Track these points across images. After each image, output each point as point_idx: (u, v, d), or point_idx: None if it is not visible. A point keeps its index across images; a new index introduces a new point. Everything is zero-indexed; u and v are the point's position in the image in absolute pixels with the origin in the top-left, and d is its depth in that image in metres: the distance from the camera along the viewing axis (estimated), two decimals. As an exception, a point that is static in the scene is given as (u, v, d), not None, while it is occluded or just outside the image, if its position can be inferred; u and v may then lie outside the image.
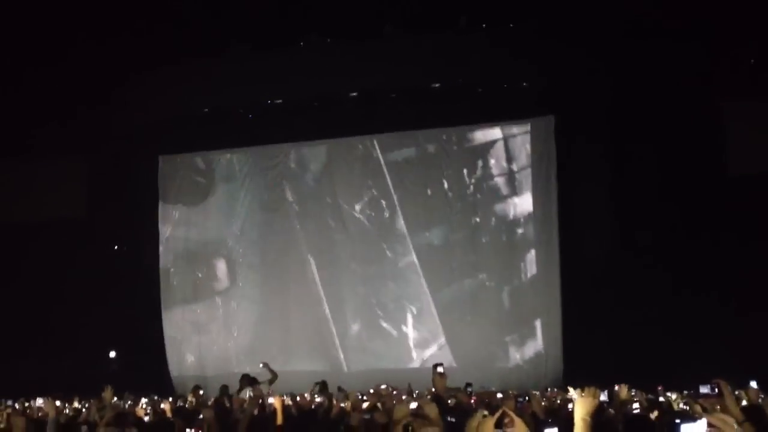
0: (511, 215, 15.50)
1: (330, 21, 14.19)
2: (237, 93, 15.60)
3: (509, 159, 15.60)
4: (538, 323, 15.08)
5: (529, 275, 15.28)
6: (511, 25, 14.52)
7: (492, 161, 15.65)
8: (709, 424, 2.30)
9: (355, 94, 15.75)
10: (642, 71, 13.72)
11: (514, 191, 15.50)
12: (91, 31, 13.41)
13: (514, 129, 15.66)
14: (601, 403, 4.25)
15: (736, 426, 2.28)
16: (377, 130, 16.07)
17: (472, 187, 15.72)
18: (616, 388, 7.71)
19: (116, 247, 17.05)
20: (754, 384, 9.06)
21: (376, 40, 14.80)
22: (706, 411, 4.44)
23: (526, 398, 8.99)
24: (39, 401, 8.17)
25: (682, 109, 13.71)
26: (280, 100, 16.07)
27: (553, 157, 15.16)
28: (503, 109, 15.27)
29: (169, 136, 16.31)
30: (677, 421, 2.42)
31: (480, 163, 15.72)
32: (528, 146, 15.51)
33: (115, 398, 9.91)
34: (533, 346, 15.05)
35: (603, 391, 9.59)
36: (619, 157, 14.25)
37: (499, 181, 15.61)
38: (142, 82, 14.95)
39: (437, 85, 15.31)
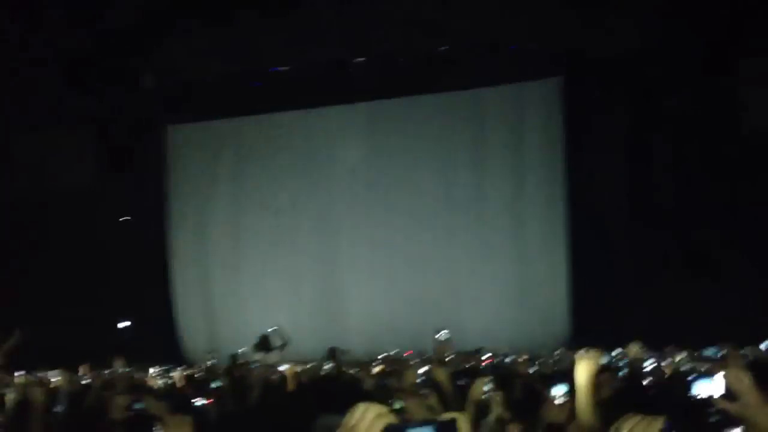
0: (517, 177, 15.46)
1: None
2: (242, 61, 15.47)
3: (517, 122, 15.52)
4: (545, 283, 15.11)
5: (536, 236, 15.28)
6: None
7: (497, 125, 15.57)
8: (725, 378, 2.28)
9: (361, 59, 15.62)
10: (653, 28, 13.50)
11: (522, 153, 15.44)
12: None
13: (521, 91, 15.56)
14: (603, 366, 4.25)
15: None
16: (384, 94, 15.98)
17: (479, 150, 15.65)
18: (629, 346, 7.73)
19: (125, 218, 17.07)
20: (763, 346, 9.08)
21: (381, 3, 14.59)
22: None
23: (538, 361, 9.03)
24: (52, 372, 8.23)
25: (697, 66, 13.53)
26: (286, 67, 15.95)
27: (560, 119, 15.07)
28: (511, 70, 15.12)
29: (177, 105, 16.25)
30: (689, 378, 2.40)
31: (488, 126, 15.64)
32: (535, 108, 15.42)
33: (127, 368, 10.02)
34: (541, 307, 15.08)
35: (608, 352, 9.66)
36: (630, 118, 14.09)
37: (507, 144, 15.55)
38: (148, 49, 14.82)
39: (444, 47, 15.16)
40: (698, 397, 2.32)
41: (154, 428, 3.14)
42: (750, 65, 13.45)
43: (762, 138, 13.16)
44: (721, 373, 2.29)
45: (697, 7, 12.84)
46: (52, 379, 7.68)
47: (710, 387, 2.31)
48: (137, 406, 4.97)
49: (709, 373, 2.33)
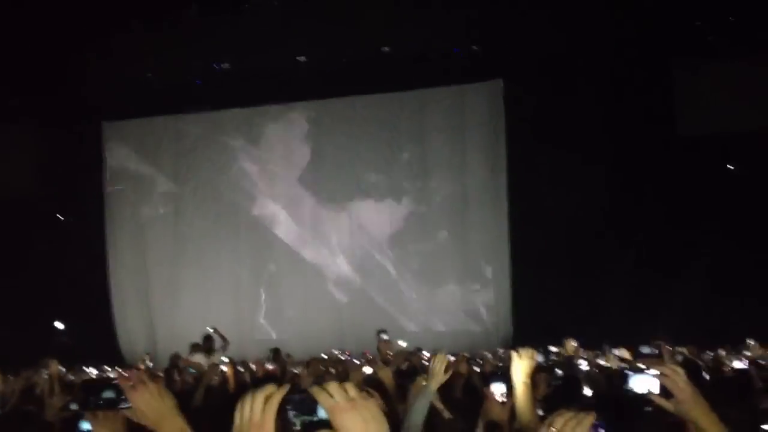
0: (460, 178, 15.62)
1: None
2: (183, 57, 15.25)
3: (459, 123, 15.66)
4: (487, 284, 15.30)
5: (478, 236, 15.44)
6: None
7: (440, 127, 15.70)
8: (660, 375, 2.33)
9: (304, 58, 15.56)
10: (590, 30, 13.77)
11: (464, 154, 15.59)
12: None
13: (463, 93, 15.72)
14: (539, 364, 4.33)
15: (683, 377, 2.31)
16: (327, 95, 15.96)
17: (422, 150, 15.76)
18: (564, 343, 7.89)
19: (60, 217, 16.69)
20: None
21: (325, 2, 14.55)
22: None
23: (479, 360, 9.15)
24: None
25: (632, 68, 13.85)
26: (227, 65, 15.79)
27: (502, 121, 15.26)
28: (453, 72, 15.26)
29: (113, 102, 15.92)
30: (626, 372, 2.45)
31: (430, 127, 15.75)
32: (477, 110, 15.59)
33: (64, 369, 9.79)
34: (483, 306, 15.26)
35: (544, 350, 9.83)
36: (568, 117, 14.34)
37: (450, 144, 15.68)
38: (86, 45, 14.48)
39: (387, 48, 15.20)
40: (633, 393, 2.37)
41: (83, 424, 3.06)
42: (684, 66, 13.81)
43: (696, 141, 13.54)
44: (656, 370, 2.34)
45: (633, 7, 13.14)
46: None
47: (645, 383, 2.36)
48: (72, 406, 4.87)
49: (644, 370, 2.38)
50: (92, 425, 2.43)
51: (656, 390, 2.32)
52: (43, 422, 4.96)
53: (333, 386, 1.69)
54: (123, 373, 2.22)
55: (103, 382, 2.33)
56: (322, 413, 1.69)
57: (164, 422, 2.20)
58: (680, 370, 2.32)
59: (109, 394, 2.30)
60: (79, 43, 14.17)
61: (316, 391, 1.69)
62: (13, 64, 14.07)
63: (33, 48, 13.96)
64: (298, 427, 1.71)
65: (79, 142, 16.19)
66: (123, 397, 2.26)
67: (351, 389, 1.69)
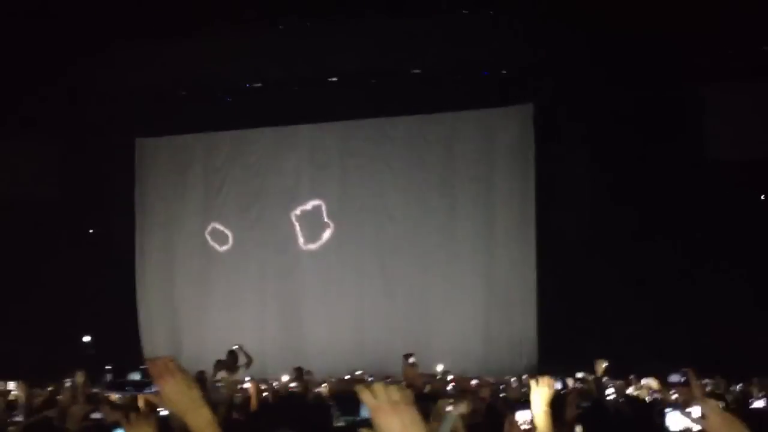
0: (489, 201, 15.55)
1: (309, 3, 14.00)
2: (215, 75, 15.43)
3: (488, 146, 15.63)
4: (514, 308, 15.17)
5: (505, 260, 15.34)
6: (491, 12, 14.42)
7: (471, 148, 15.67)
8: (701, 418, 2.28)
9: (335, 78, 15.67)
10: (622, 56, 13.72)
11: (493, 178, 15.54)
12: (68, 8, 13.14)
13: (492, 117, 15.69)
14: (558, 392, 4.29)
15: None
16: (356, 115, 16.03)
17: (450, 173, 15.74)
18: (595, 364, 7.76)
19: (91, 231, 16.86)
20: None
21: (356, 24, 14.67)
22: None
23: (501, 387, 9.05)
24: (11, 384, 8.05)
25: (662, 93, 13.77)
26: (259, 84, 15.94)
27: (531, 146, 15.21)
28: (483, 96, 15.27)
29: (147, 118, 16.12)
30: (663, 408, 2.41)
31: (459, 150, 15.74)
32: (506, 134, 15.55)
33: (90, 382, 9.84)
34: (509, 331, 15.11)
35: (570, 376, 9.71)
36: (598, 144, 14.27)
37: (478, 168, 15.63)
38: (120, 62, 14.71)
39: (418, 71, 15.26)
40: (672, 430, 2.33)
41: (118, 425, 3.07)
42: (714, 96, 13.73)
43: (724, 167, 13.42)
44: (696, 406, 2.29)
45: (664, 33, 13.09)
46: (12, 391, 7.53)
47: (682, 421, 2.31)
48: (94, 415, 4.88)
49: (679, 403, 2.34)
50: (125, 429, 2.43)
51: (698, 429, 2.26)
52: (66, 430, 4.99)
53: (378, 388, 1.74)
54: (153, 358, 2.22)
55: (131, 365, 2.34)
56: (364, 413, 1.73)
57: (191, 413, 2.21)
58: (717, 405, 2.28)
59: (136, 376, 2.31)
60: (115, 59, 14.40)
61: (361, 391, 1.74)
62: (51, 78, 14.32)
63: (71, 63, 14.20)
64: (342, 424, 1.78)
65: (112, 157, 16.39)
66: (149, 380, 2.27)
67: (395, 393, 1.74)
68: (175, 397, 2.21)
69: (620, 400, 6.63)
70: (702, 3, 12.44)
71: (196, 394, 2.23)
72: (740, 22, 12.57)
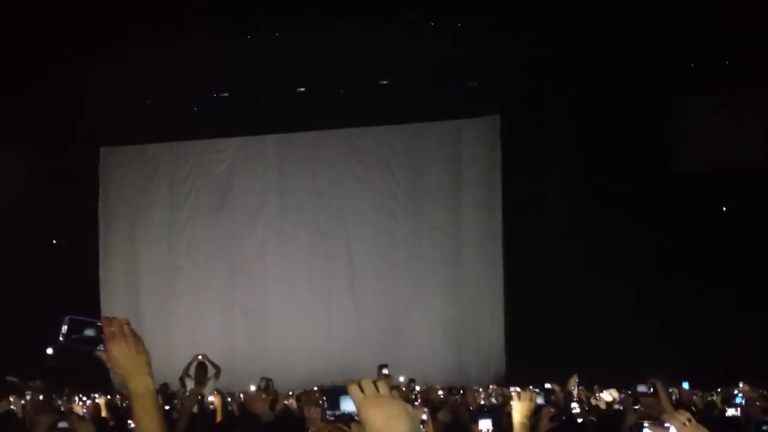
0: (456, 212, 15.60)
1: (279, 12, 13.98)
2: (182, 84, 15.32)
3: (455, 157, 15.70)
4: (481, 319, 15.22)
5: (473, 271, 15.39)
6: (459, 24, 14.52)
7: (438, 159, 15.73)
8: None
9: (302, 89, 15.64)
10: (588, 69, 13.89)
11: (461, 189, 15.60)
12: (34, 16, 12.98)
13: (460, 128, 15.77)
14: (538, 406, 4.34)
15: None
16: (324, 126, 16.00)
17: (418, 184, 15.77)
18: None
19: (54, 241, 16.60)
20: (686, 385, 9.34)
21: (324, 35, 14.67)
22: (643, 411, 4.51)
23: (461, 391, 9.09)
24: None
25: (628, 105, 13.95)
26: (226, 93, 15.86)
27: (498, 156, 15.31)
28: (449, 107, 15.35)
29: (111, 127, 15.93)
30: (644, 424, 2.43)
31: (426, 161, 15.79)
32: (473, 145, 15.64)
33: (54, 395, 9.67)
34: (476, 342, 15.15)
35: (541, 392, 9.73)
36: (565, 155, 14.41)
37: (445, 179, 15.70)
38: (86, 70, 14.54)
39: (385, 81, 15.30)
40: None
41: None
42: (683, 104, 13.94)
43: (692, 178, 13.63)
44: (668, 421, 2.30)
45: (630, 47, 13.28)
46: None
47: None
48: (61, 425, 4.82)
49: (651, 417, 2.34)
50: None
51: None
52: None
53: (366, 383, 1.80)
54: (109, 318, 2.24)
55: (89, 322, 2.35)
56: (344, 407, 1.86)
57: (134, 377, 2.27)
58: (688, 417, 2.29)
59: (90, 332, 2.33)
60: (79, 68, 14.24)
61: (350, 386, 1.81)
62: (13, 86, 14.11)
63: (33, 70, 14.02)
64: (333, 418, 1.89)
65: (76, 167, 16.16)
66: (101, 338, 2.30)
67: (382, 387, 1.80)
68: (123, 359, 2.27)
69: (586, 409, 6.66)
70: (667, 17, 12.66)
71: (143, 360, 2.29)
72: (705, 35, 12.79)
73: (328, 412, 1.89)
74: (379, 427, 1.75)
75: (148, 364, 2.30)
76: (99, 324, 2.32)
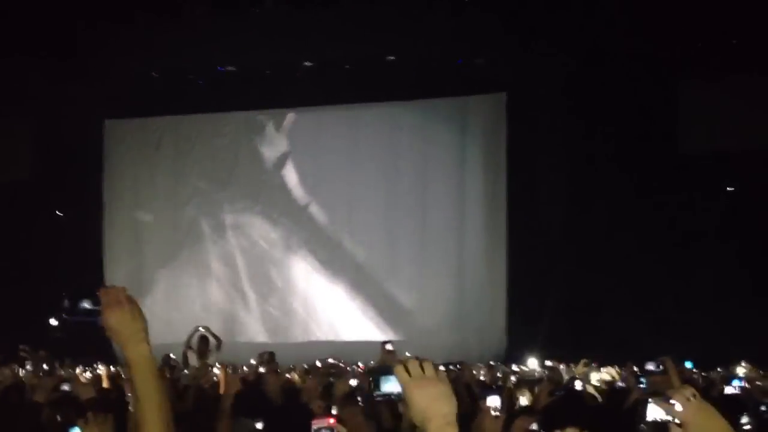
0: (459, 189, 15.59)
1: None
2: (188, 57, 15.25)
3: (461, 134, 15.66)
4: (484, 295, 15.25)
5: (476, 248, 15.39)
6: (466, 0, 14.39)
7: (444, 135, 15.69)
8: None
9: (309, 63, 15.57)
10: (595, 47, 13.80)
11: (464, 166, 15.58)
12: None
13: (466, 105, 15.72)
14: (537, 379, 4.35)
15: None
16: (330, 101, 15.95)
17: (423, 160, 15.74)
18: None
19: (58, 213, 16.62)
20: (688, 364, 9.38)
21: (331, 10, 14.57)
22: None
23: (457, 366, 9.09)
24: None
25: (636, 85, 13.86)
26: (232, 67, 15.80)
27: (504, 134, 15.26)
28: (455, 84, 15.27)
29: (116, 99, 15.88)
30: (649, 400, 2.42)
31: (432, 137, 15.74)
32: (479, 122, 15.59)
33: (57, 365, 9.75)
34: (479, 318, 15.19)
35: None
36: (571, 135, 14.36)
37: (451, 155, 15.67)
38: (91, 42, 14.48)
39: (392, 57, 15.22)
40: (650, 420, 2.33)
41: (75, 425, 3.05)
42: (689, 87, 13.85)
43: (698, 159, 13.57)
44: (672, 396, 2.29)
45: (638, 26, 13.18)
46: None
47: (659, 410, 2.31)
48: (64, 387, 4.86)
49: (656, 394, 2.33)
50: (84, 427, 2.44)
51: (675, 420, 2.26)
52: (33, 402, 4.93)
53: (412, 363, 1.81)
54: (106, 287, 2.24)
55: (89, 293, 2.35)
56: (385, 388, 1.86)
57: (130, 344, 2.27)
58: (693, 392, 2.29)
59: (86, 304, 2.34)
60: (84, 39, 14.19)
61: (396, 366, 1.82)
62: (18, 58, 14.07)
63: (38, 42, 13.97)
64: (379, 398, 1.90)
65: (80, 138, 16.15)
66: (99, 308, 2.30)
67: (428, 368, 1.81)
68: (119, 327, 2.27)
69: (586, 387, 6.68)
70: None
71: (139, 326, 2.29)
72: (712, 15, 12.68)
73: (374, 393, 1.89)
74: (424, 408, 1.76)
75: (145, 330, 2.30)
76: (98, 294, 2.32)
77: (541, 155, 14.77)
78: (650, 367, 4.42)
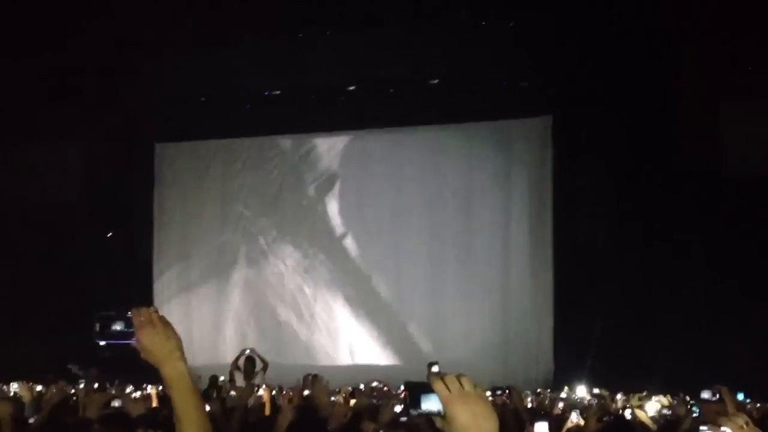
0: (504, 213, 15.49)
1: (331, 12, 14.06)
2: (235, 83, 15.51)
3: (506, 157, 15.58)
4: (530, 320, 15.08)
5: (522, 272, 15.26)
6: (511, 24, 14.42)
7: (489, 159, 15.63)
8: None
9: (352, 88, 15.70)
10: (639, 70, 13.68)
11: (509, 189, 15.49)
12: (92, 14, 13.28)
13: (510, 128, 15.65)
14: (587, 406, 4.29)
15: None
16: (374, 124, 16.04)
17: (467, 184, 15.69)
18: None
19: (109, 234, 16.95)
20: (740, 396, 9.14)
21: (375, 33, 14.69)
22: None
23: (505, 391, 8.95)
24: (14, 386, 8.08)
25: (680, 108, 13.69)
26: (278, 92, 16.01)
27: (549, 157, 15.15)
28: (501, 107, 15.24)
29: (167, 124, 16.24)
30: (702, 427, 2.37)
31: (476, 160, 15.70)
32: (524, 146, 15.50)
33: (107, 383, 9.90)
34: (525, 343, 15.02)
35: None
36: (616, 157, 14.21)
37: (496, 179, 15.59)
38: (143, 67, 14.83)
39: (435, 81, 15.27)
40: None
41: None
42: (732, 110, 13.63)
43: (742, 185, 13.30)
44: (725, 424, 2.25)
45: (683, 49, 13.05)
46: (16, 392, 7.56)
47: None
48: (115, 404, 4.92)
49: (708, 422, 2.29)
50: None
51: None
52: (84, 419, 4.99)
53: (451, 378, 1.80)
54: (137, 309, 2.27)
55: (120, 316, 2.38)
56: (425, 406, 1.82)
57: (166, 363, 2.27)
58: (747, 421, 2.24)
59: (119, 326, 2.36)
60: (136, 64, 14.54)
61: (435, 382, 1.81)
62: (72, 82, 14.46)
63: (91, 64, 14.34)
64: (416, 415, 1.85)
65: (132, 161, 16.51)
66: (132, 330, 2.31)
67: (467, 383, 1.79)
68: (153, 347, 2.27)
69: (637, 415, 6.56)
70: (725, 18, 12.40)
71: (173, 345, 2.28)
72: (757, 39, 12.50)
73: (411, 410, 1.86)
74: (467, 425, 1.74)
75: (180, 349, 2.30)
76: (128, 316, 2.34)
77: (587, 179, 14.62)
78: (705, 395, 4.32)
